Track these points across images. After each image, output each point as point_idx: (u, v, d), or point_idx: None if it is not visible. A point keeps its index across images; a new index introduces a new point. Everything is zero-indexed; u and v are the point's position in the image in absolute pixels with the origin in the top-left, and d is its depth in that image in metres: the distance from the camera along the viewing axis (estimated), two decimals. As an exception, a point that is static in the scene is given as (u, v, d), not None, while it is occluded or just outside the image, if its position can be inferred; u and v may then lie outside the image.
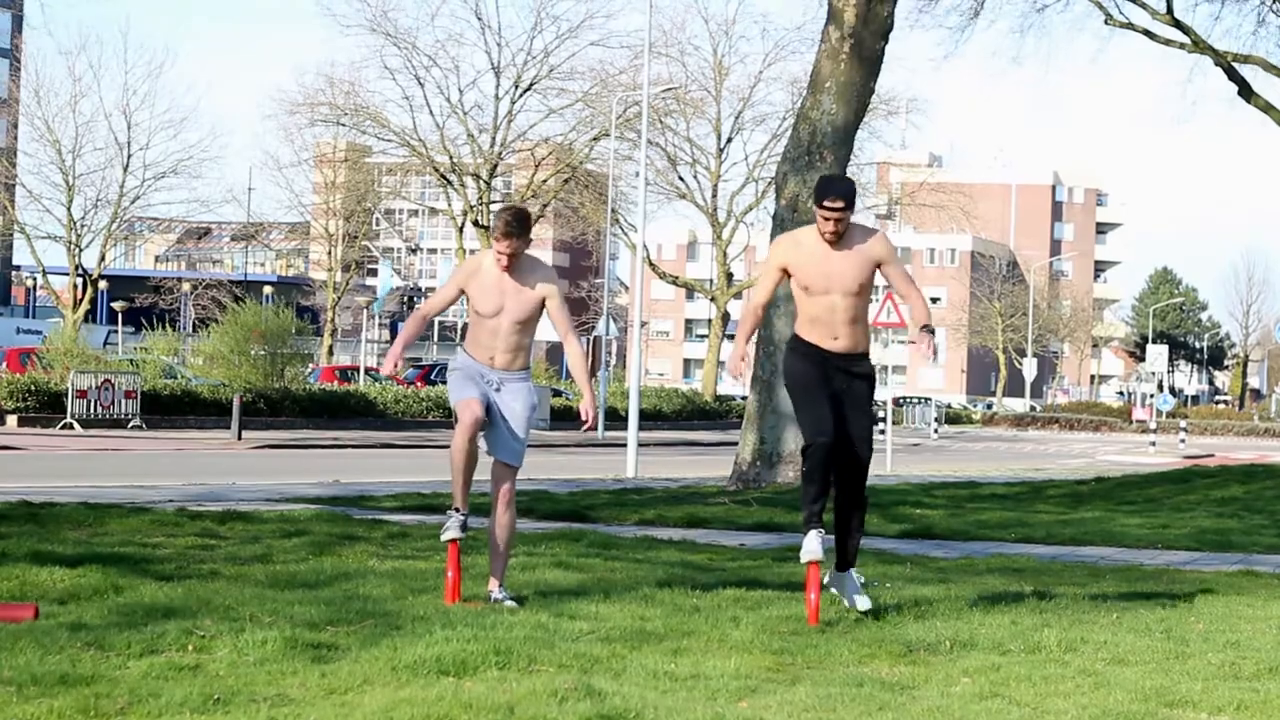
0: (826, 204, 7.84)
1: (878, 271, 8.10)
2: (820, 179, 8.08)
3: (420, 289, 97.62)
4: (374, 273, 78.36)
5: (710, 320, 62.75)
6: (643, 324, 41.57)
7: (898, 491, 19.30)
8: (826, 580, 8.17)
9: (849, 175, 21.40)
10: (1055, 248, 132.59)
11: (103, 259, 60.15)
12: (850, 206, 7.87)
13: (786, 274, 8.11)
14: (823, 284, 7.94)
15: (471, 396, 8.24)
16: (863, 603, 8.07)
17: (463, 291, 8.41)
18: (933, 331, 8.16)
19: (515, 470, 8.43)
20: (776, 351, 19.14)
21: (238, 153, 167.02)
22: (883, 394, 40.08)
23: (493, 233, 8.31)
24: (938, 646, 7.21)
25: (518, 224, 8.20)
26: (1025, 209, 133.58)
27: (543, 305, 8.33)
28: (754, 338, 8.68)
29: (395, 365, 8.65)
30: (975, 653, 7.12)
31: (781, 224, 19.47)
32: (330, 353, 64.26)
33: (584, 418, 8.32)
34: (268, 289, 67.66)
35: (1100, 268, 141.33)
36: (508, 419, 8.31)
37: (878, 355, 51.73)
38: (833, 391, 7.99)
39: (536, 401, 8.57)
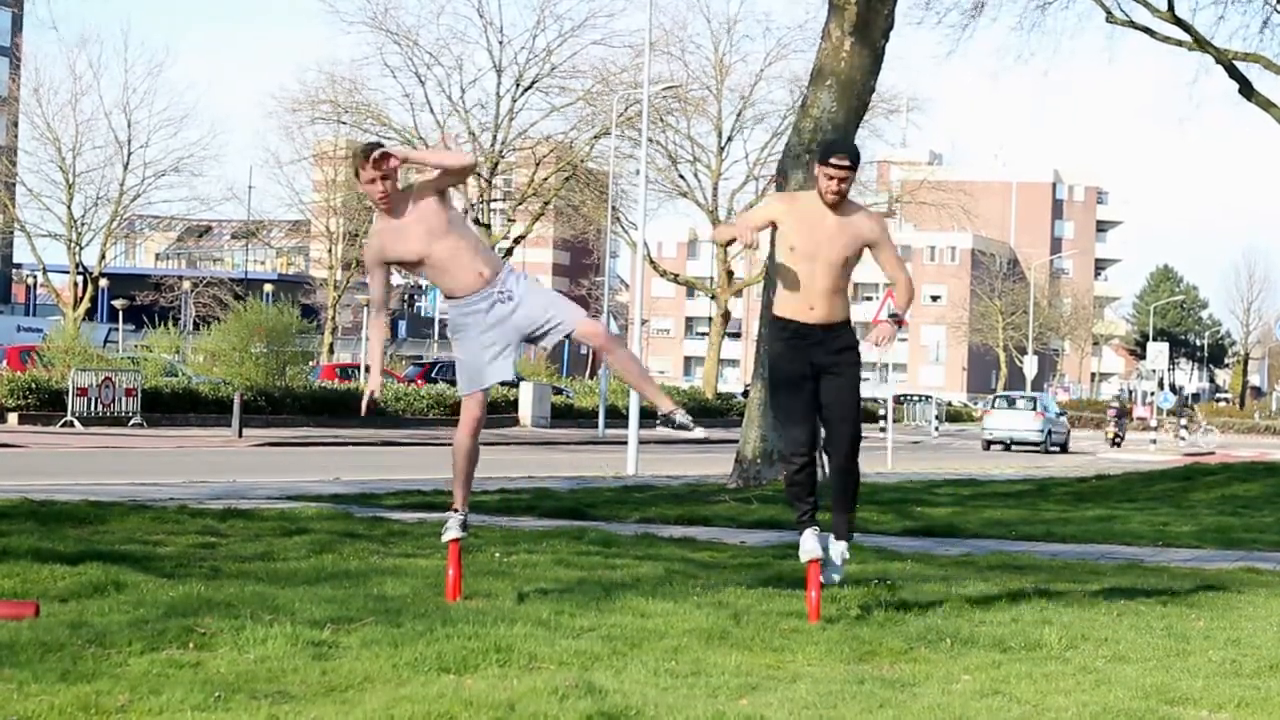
0: (833, 161, 7.80)
1: (867, 251, 8.08)
2: (826, 139, 8.07)
3: (420, 286, 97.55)
4: (374, 271, 78.24)
5: (711, 318, 62.74)
6: (643, 322, 41.59)
7: (900, 489, 19.31)
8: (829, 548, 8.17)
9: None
10: (1056, 245, 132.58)
11: (103, 257, 60.18)
12: (855, 167, 7.85)
13: (770, 225, 8.08)
14: (810, 247, 7.89)
15: (476, 389, 8.17)
16: (837, 574, 8.08)
17: (389, 266, 8.10)
18: (900, 324, 8.15)
19: (591, 317, 8.19)
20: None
21: (238, 151, 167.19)
22: (883, 392, 40.08)
23: (358, 175, 7.89)
24: (938, 644, 7.21)
25: (364, 150, 7.86)
26: (1026, 207, 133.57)
27: (442, 199, 7.99)
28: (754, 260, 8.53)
29: (380, 384, 8.30)
30: (976, 650, 7.12)
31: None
32: (331, 351, 64.26)
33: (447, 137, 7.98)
34: (268, 287, 67.71)
35: (1101, 265, 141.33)
36: (545, 301, 8.10)
37: (878, 354, 51.61)
38: (814, 377, 7.98)
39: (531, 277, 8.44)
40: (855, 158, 7.87)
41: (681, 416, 8.30)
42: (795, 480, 8.08)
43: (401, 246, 8.01)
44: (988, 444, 47.65)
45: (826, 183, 7.85)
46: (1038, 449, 46.58)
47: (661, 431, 8.51)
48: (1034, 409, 48.29)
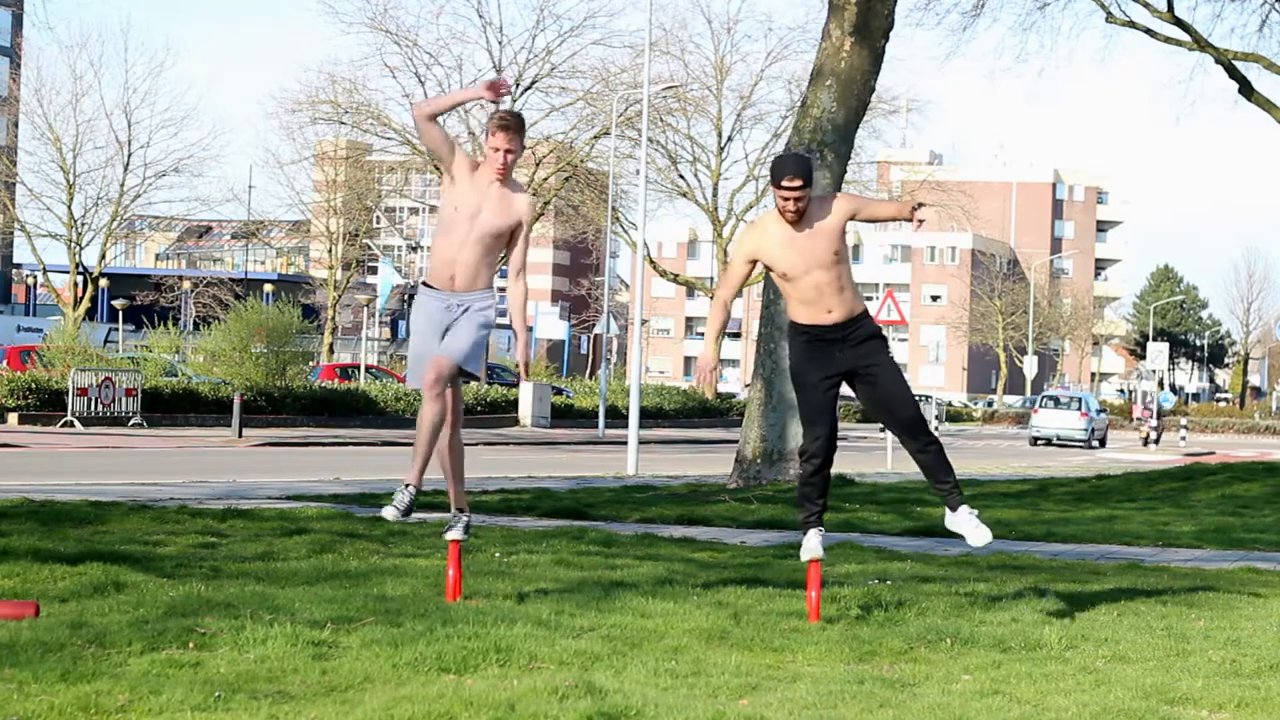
0: (785, 184, 7.70)
1: (859, 222, 8.08)
2: (774, 160, 7.95)
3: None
4: (375, 270, 78.41)
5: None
6: (643, 322, 41.56)
7: (900, 489, 19.29)
8: (946, 523, 8.25)
9: (847, 173, 21.43)
10: (1056, 245, 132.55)
11: (103, 257, 60.17)
12: (808, 184, 7.74)
13: (754, 264, 8.05)
14: (801, 266, 7.85)
15: (431, 381, 8.15)
16: (979, 537, 8.05)
17: (451, 152, 8.04)
18: (919, 205, 8.06)
19: (457, 371, 8.14)
20: (779, 348, 19.14)
21: (239, 151, 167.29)
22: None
23: (488, 134, 7.95)
24: (938, 644, 7.21)
25: (515, 119, 7.97)
26: (1026, 207, 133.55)
27: (516, 227, 8.03)
28: (722, 336, 8.45)
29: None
30: (976, 650, 7.12)
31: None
32: (331, 351, 64.27)
33: (519, 366, 8.14)
34: (268, 287, 67.67)
35: (1101, 265, 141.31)
36: (462, 323, 8.09)
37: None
38: (839, 378, 7.99)
39: (494, 319, 8.39)
40: (806, 174, 7.75)
41: (406, 496, 8.36)
42: (809, 481, 8.06)
43: (469, 186, 8.00)
44: (1034, 440, 50.61)
45: (782, 204, 7.77)
46: (1081, 445, 49.41)
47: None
48: (1079, 409, 51.28)
